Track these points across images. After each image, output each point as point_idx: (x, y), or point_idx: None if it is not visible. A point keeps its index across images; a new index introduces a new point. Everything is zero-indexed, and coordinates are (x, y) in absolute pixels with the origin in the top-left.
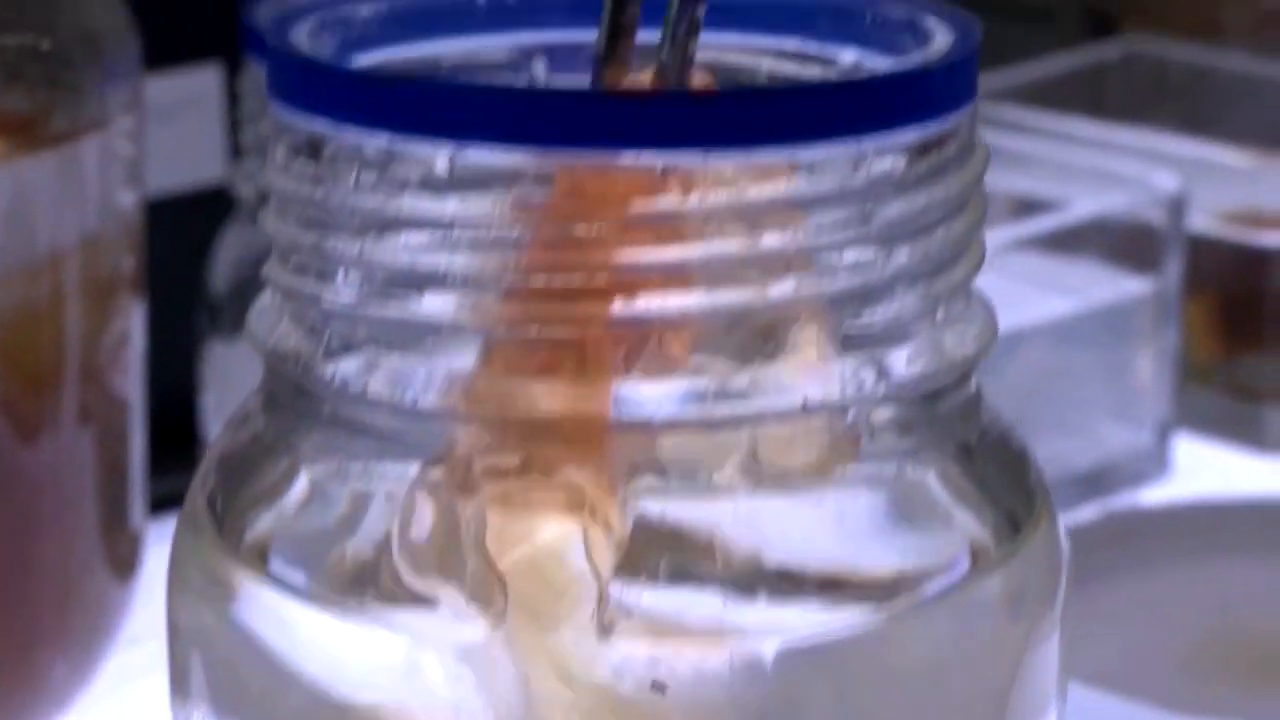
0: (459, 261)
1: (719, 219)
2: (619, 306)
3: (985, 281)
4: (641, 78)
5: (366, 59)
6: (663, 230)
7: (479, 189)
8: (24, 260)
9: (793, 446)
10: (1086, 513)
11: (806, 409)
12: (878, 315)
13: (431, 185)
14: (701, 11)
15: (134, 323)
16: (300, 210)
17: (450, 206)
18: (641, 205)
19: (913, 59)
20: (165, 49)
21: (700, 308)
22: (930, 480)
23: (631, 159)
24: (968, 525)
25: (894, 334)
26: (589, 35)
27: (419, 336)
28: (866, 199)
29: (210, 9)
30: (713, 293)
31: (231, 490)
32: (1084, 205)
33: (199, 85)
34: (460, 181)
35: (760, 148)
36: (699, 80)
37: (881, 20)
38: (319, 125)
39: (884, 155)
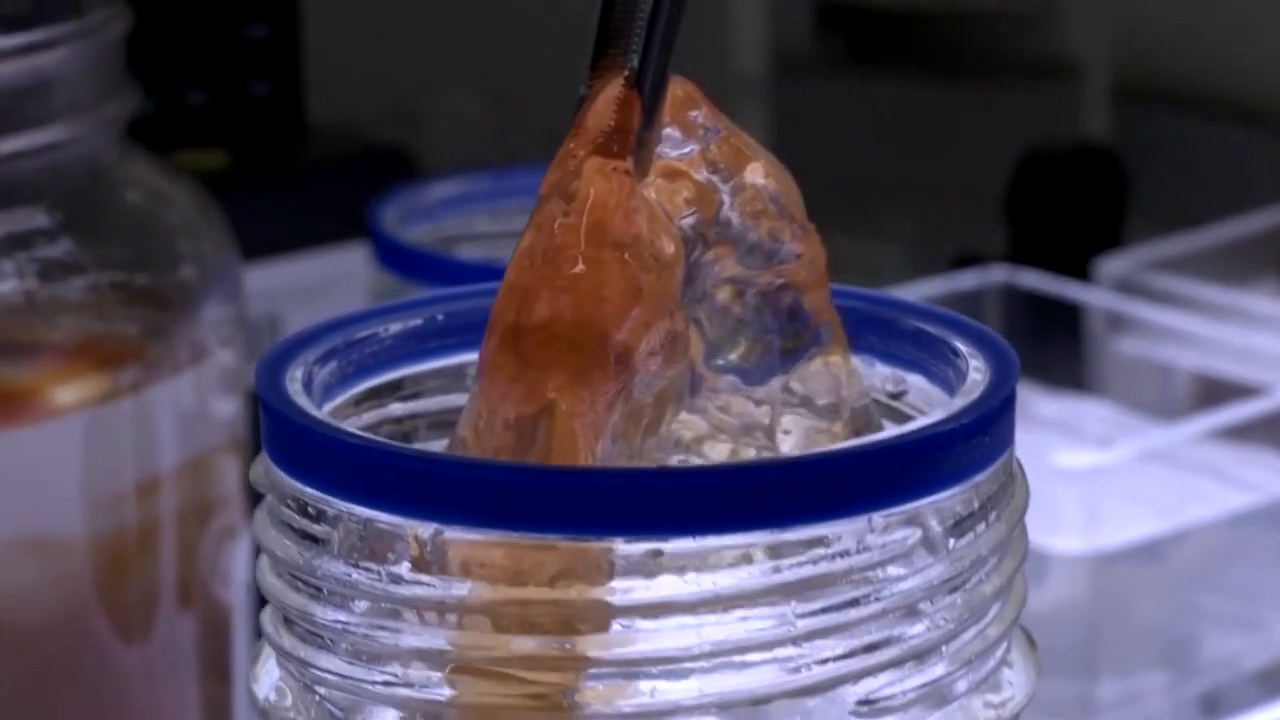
0: (443, 640)
1: (711, 603)
2: (607, 699)
3: (1157, 471)
4: (612, 86)
5: (388, 375)
6: (651, 610)
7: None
8: (118, 486)
9: None
10: None
11: None
12: (895, 687)
13: (417, 560)
14: (683, 10)
15: (239, 521)
16: (289, 570)
17: (435, 585)
18: (628, 594)
19: (939, 410)
20: (314, 228)
21: (694, 701)
22: None
23: (620, 543)
24: None
25: (915, 704)
26: None
27: (409, 710)
28: (878, 571)
29: (358, 189)
30: (707, 681)
31: None
32: (1265, 398)
33: (346, 264)
34: (446, 556)
35: (758, 528)
36: (679, 89)
37: (915, 336)
38: (303, 487)
39: (897, 527)
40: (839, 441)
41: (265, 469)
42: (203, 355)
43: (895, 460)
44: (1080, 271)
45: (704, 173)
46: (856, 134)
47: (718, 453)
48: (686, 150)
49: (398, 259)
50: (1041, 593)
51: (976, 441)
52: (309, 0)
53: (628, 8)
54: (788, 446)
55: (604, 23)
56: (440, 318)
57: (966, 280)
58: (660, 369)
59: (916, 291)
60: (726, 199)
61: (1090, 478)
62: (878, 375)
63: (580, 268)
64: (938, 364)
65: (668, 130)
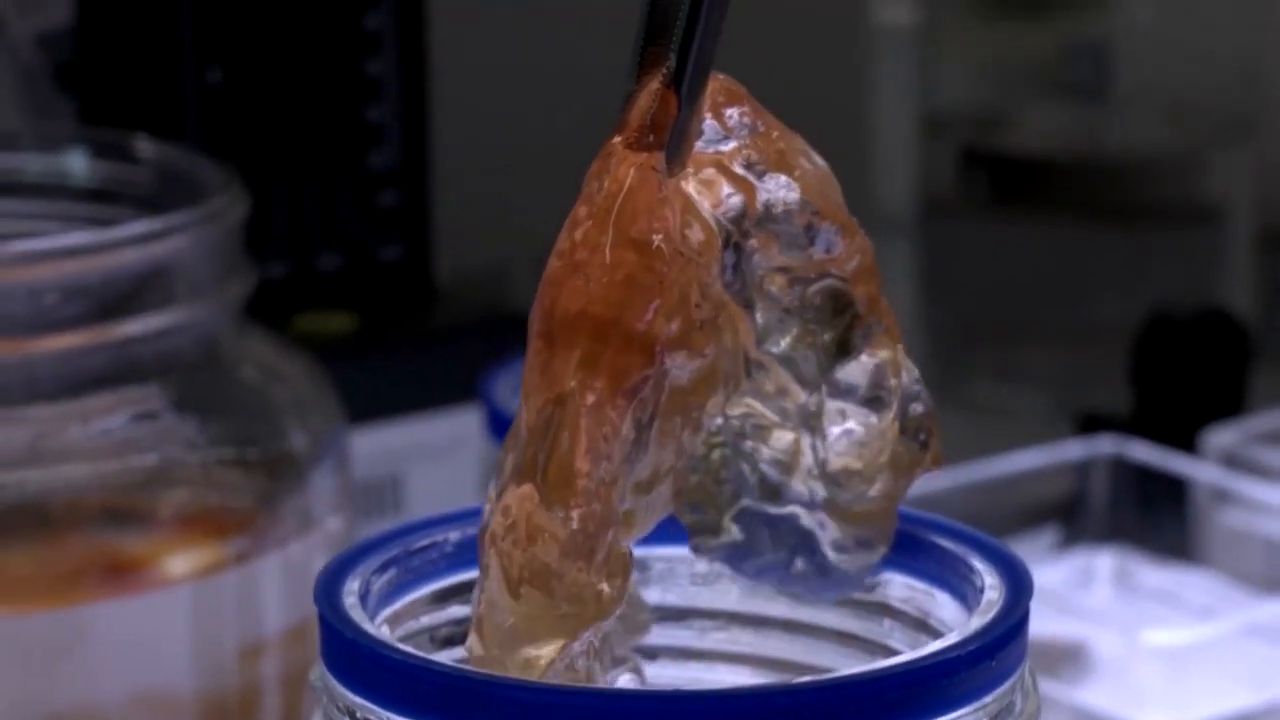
0: None
1: None
2: None
3: (1254, 645)
4: (652, 85)
5: (447, 580)
6: None
7: None
8: (224, 649)
9: None
10: None
11: None
12: None
13: None
14: (723, 13)
15: None
16: None
17: None
18: None
19: (954, 633)
20: (439, 391)
21: None
22: None
23: None
24: None
25: None
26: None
27: None
28: None
29: (483, 354)
30: None
31: None
32: None
33: (466, 427)
34: None
35: None
36: (722, 85)
37: (937, 552)
38: (352, 696)
39: None
40: (885, 435)
41: (321, 674)
42: (310, 524)
43: (898, 687)
44: (1200, 433)
45: (740, 167)
46: (999, 275)
47: (782, 442)
48: (725, 145)
49: (505, 430)
50: None
51: (983, 667)
52: (441, 161)
53: (668, 7)
54: (834, 436)
55: (648, 20)
56: None
57: (1075, 450)
58: (686, 358)
59: (1027, 460)
60: (763, 193)
61: (1179, 654)
62: (902, 589)
63: (601, 260)
64: (957, 581)
65: (708, 124)
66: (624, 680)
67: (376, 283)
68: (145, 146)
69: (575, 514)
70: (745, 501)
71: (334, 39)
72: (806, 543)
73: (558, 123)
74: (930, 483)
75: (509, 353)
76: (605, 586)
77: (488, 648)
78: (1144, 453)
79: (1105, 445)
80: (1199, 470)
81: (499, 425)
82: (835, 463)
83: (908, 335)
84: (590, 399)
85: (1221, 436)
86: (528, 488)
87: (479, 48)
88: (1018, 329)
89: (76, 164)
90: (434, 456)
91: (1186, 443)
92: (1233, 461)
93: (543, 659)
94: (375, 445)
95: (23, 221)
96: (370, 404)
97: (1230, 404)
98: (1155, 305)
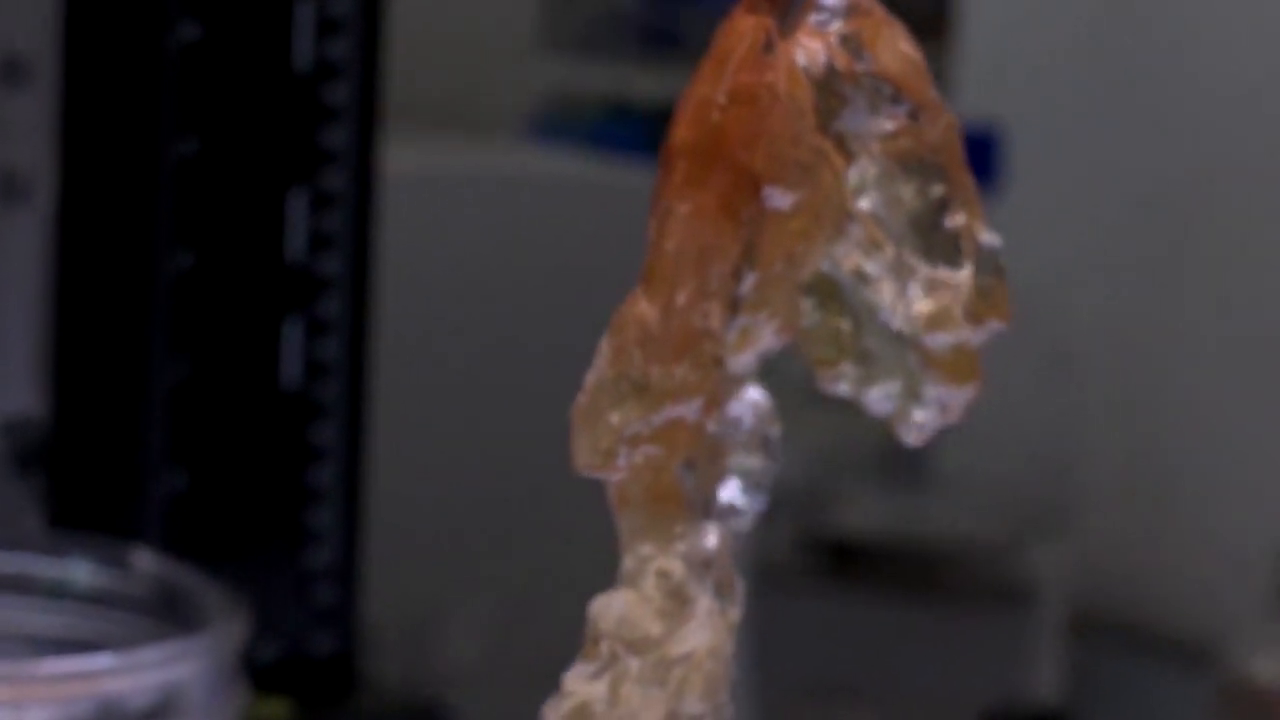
0: None
1: None
2: None
3: None
4: None
5: None
6: None
7: None
8: None
9: None
10: None
11: None
12: None
13: None
14: None
15: None
16: None
17: None
18: None
19: None
20: None
21: None
22: None
23: None
24: None
25: None
26: None
27: None
28: None
29: None
30: None
31: None
32: None
33: None
34: None
35: None
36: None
37: None
38: None
39: None
40: (959, 290)
41: None
42: None
43: None
44: None
45: (840, 41)
46: (828, 645)
47: (882, 290)
48: (833, 23)
49: None
50: None
51: None
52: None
53: None
54: (915, 288)
55: None
56: None
57: None
58: (783, 191)
59: None
60: (858, 65)
61: None
62: None
63: (712, 100)
64: None
65: (822, 2)
66: (727, 493)
67: (310, 673)
68: (144, 558)
69: (660, 306)
70: (863, 339)
71: (280, 449)
72: (915, 378)
73: (489, 523)
74: None
75: None
76: (689, 375)
77: (584, 407)
78: None
79: None
80: None
81: None
82: (917, 311)
83: (736, 693)
84: (686, 208)
85: None
86: (638, 288)
87: (416, 455)
88: (843, 697)
89: (80, 571)
90: None
91: None
92: None
93: (614, 425)
94: None
95: (33, 622)
96: None
97: None
98: (988, 708)
